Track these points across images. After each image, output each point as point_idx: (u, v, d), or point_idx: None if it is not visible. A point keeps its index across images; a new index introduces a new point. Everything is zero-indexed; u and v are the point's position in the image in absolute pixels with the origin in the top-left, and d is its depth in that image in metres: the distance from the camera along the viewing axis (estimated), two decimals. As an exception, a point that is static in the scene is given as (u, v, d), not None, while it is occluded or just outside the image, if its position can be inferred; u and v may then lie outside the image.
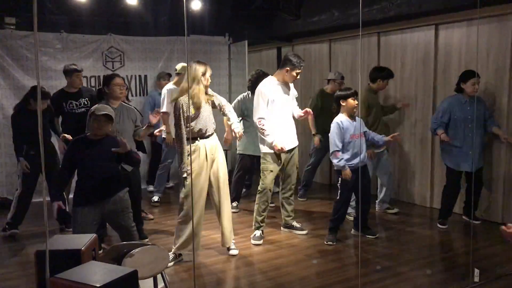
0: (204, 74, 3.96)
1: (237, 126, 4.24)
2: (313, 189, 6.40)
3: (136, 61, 6.88)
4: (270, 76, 4.72)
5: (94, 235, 2.83)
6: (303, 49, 7.22)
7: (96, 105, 3.77)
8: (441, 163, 5.16)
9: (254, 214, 4.63)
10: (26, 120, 4.56)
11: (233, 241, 4.31)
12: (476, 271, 3.52)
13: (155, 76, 6.91)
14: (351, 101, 4.42)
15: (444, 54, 5.39)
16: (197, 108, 3.95)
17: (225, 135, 5.02)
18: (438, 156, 5.39)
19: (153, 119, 4.20)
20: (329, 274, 3.83)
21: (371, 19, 5.63)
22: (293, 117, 4.70)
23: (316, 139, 5.87)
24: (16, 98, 5.89)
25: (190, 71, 3.94)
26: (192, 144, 3.95)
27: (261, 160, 4.59)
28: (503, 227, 2.36)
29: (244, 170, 5.71)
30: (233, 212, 5.13)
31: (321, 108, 5.83)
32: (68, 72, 5.19)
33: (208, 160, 4.02)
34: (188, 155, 3.87)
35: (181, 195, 4.02)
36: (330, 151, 4.44)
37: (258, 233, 4.58)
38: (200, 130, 3.99)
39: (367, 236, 4.64)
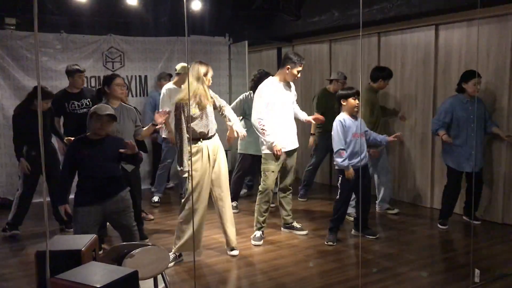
0: (206, 74, 3.96)
1: (239, 126, 4.23)
2: (313, 189, 6.41)
3: (136, 61, 6.89)
4: (271, 76, 4.72)
5: (94, 236, 2.83)
6: (303, 50, 7.22)
7: (97, 105, 3.77)
8: (442, 163, 5.16)
9: (256, 214, 4.62)
10: (28, 121, 4.56)
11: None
12: (477, 271, 3.52)
13: (155, 77, 6.92)
14: (351, 100, 4.42)
15: (444, 54, 5.39)
16: (201, 108, 3.95)
17: (228, 134, 5.02)
18: (439, 156, 5.40)
19: (159, 118, 4.19)
20: (330, 275, 3.83)
21: (371, 20, 5.63)
22: (295, 118, 4.70)
23: (311, 140, 5.91)
24: (17, 99, 5.90)
25: (193, 71, 3.95)
26: (194, 145, 3.95)
27: (262, 161, 4.58)
28: None
29: (244, 170, 5.71)
30: (233, 212, 5.12)
31: (324, 107, 5.84)
32: (71, 73, 5.20)
33: (210, 161, 4.03)
34: (189, 156, 3.87)
35: (183, 195, 4.01)
36: (334, 150, 4.43)
37: (258, 233, 4.58)
38: (203, 131, 3.99)
39: (368, 236, 4.63)
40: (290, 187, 4.81)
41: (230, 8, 6.97)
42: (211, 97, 4.08)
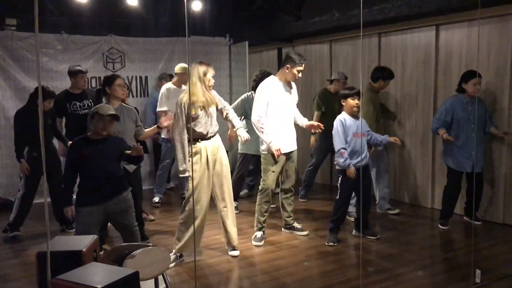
0: (205, 74, 3.96)
1: (243, 132, 4.22)
2: (314, 189, 6.40)
3: (136, 62, 6.90)
4: (272, 75, 4.70)
5: (95, 236, 2.83)
6: (303, 50, 7.22)
7: (99, 105, 3.77)
8: (442, 164, 5.16)
9: (256, 215, 4.62)
10: (29, 121, 4.56)
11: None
12: (478, 272, 3.51)
13: (155, 77, 6.92)
14: (350, 100, 4.43)
15: (444, 54, 5.39)
16: (201, 109, 3.95)
17: (229, 132, 5.02)
18: (439, 156, 5.40)
19: (165, 122, 4.20)
20: (330, 275, 3.83)
21: (372, 20, 5.63)
22: (294, 123, 4.67)
23: (312, 139, 5.91)
24: (17, 100, 5.91)
25: (193, 71, 3.95)
26: (193, 146, 3.95)
27: (262, 161, 4.57)
28: None
29: (245, 170, 5.71)
30: (234, 213, 5.13)
31: (324, 108, 5.84)
32: (73, 73, 5.20)
33: (209, 162, 4.02)
34: (189, 156, 3.86)
35: (184, 196, 4.01)
36: (335, 150, 4.42)
37: (259, 234, 4.58)
38: (201, 131, 3.99)
39: (368, 237, 4.63)
40: (292, 189, 4.81)
41: (231, 9, 6.98)
42: (214, 99, 4.08)
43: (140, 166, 4.67)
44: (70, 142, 4.69)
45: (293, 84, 4.63)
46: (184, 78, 5.68)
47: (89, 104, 5.17)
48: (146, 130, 4.47)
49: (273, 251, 4.39)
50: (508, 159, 4.89)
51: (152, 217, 5.44)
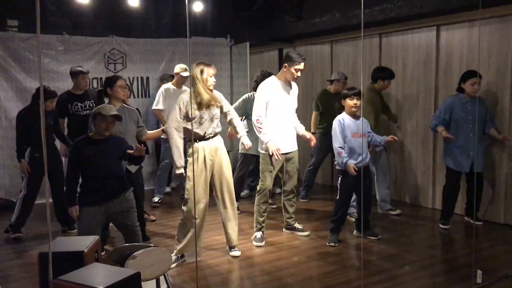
0: (205, 74, 3.96)
1: (247, 139, 4.23)
2: (314, 190, 6.41)
3: (138, 63, 6.91)
4: (273, 76, 4.70)
5: (96, 237, 2.84)
6: (304, 50, 7.22)
7: (101, 105, 3.77)
8: (443, 164, 5.15)
9: (255, 215, 4.62)
10: (31, 121, 4.57)
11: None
12: (479, 272, 3.51)
13: (157, 78, 6.93)
14: (348, 101, 4.44)
15: (445, 55, 5.39)
16: (201, 109, 3.95)
17: (229, 130, 5.02)
18: (440, 156, 5.40)
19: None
20: (331, 276, 3.83)
21: (372, 20, 5.63)
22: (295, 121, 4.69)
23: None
24: (19, 100, 5.92)
25: (193, 72, 3.96)
26: (190, 146, 3.97)
27: (261, 161, 4.57)
28: None
29: (245, 171, 5.72)
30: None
31: (322, 108, 5.84)
32: (74, 74, 5.20)
33: (206, 162, 4.01)
34: (188, 156, 3.87)
35: (183, 196, 4.02)
36: (334, 150, 4.43)
37: (259, 234, 4.58)
38: (198, 132, 3.98)
39: (369, 237, 4.63)
40: (294, 190, 4.81)
41: (232, 10, 6.98)
42: (217, 100, 4.08)
43: (141, 167, 4.69)
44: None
45: (294, 86, 4.60)
46: (183, 78, 5.69)
47: (91, 105, 5.18)
48: (150, 132, 4.49)
49: (274, 252, 4.40)
50: (509, 160, 4.88)
51: (153, 218, 5.45)
